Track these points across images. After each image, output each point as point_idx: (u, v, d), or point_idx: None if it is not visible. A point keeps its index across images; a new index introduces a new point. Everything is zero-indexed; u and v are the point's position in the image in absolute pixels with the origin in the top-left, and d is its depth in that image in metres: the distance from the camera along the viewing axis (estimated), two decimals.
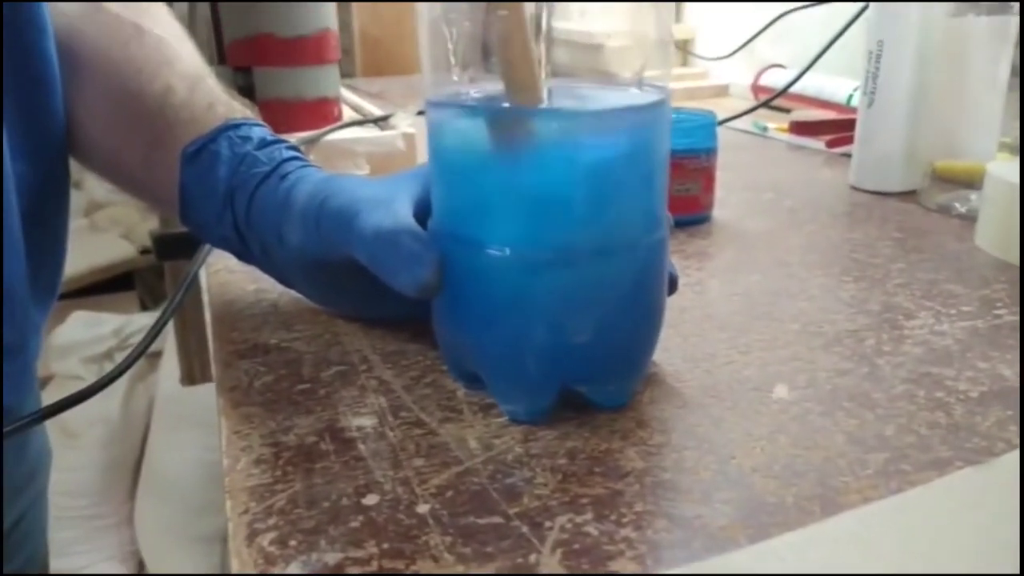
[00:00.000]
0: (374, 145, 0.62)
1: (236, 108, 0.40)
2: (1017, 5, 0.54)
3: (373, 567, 0.23)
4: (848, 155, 0.67)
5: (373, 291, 0.33)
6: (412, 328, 0.38)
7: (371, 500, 0.26)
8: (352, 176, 0.39)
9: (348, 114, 0.70)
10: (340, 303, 0.39)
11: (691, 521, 0.25)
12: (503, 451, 0.29)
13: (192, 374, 0.94)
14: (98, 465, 1.36)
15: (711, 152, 0.54)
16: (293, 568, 0.23)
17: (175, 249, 0.73)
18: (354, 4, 1.70)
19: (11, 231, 0.37)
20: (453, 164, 0.30)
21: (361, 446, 0.29)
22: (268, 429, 0.30)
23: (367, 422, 0.31)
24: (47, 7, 0.38)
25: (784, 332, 0.38)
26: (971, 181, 0.55)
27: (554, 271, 0.28)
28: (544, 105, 0.28)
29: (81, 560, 1.35)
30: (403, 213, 0.32)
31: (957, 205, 0.56)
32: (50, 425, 0.51)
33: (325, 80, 0.65)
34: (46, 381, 1.39)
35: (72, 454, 1.33)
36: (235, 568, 0.24)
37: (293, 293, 0.41)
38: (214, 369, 0.37)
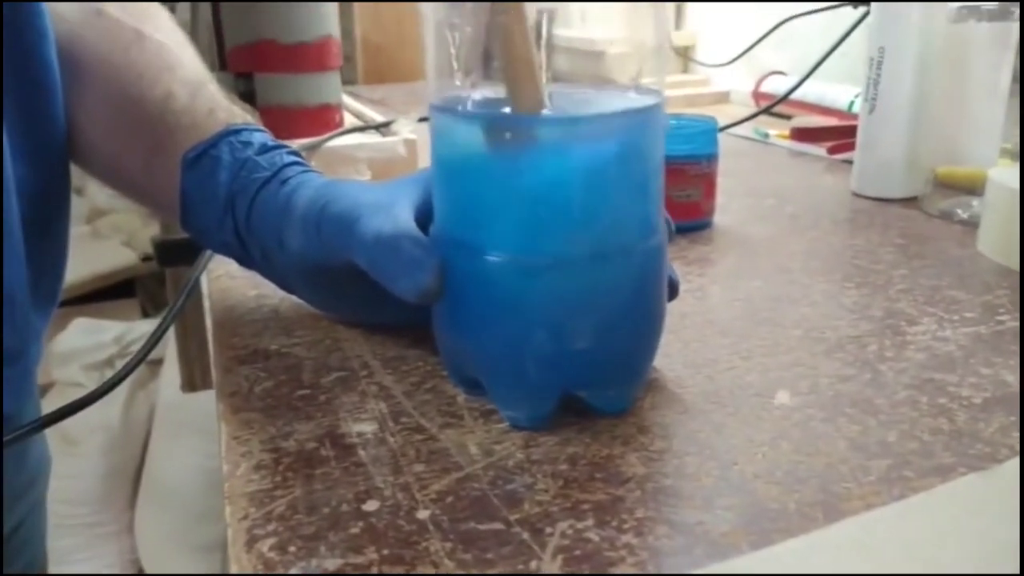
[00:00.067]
0: (375, 151, 0.62)
1: (237, 114, 0.40)
2: (1018, 11, 0.54)
3: (373, 573, 0.23)
4: (849, 161, 0.67)
5: (373, 296, 0.33)
6: (413, 334, 0.38)
7: (371, 506, 0.26)
8: (353, 181, 0.39)
9: (349, 120, 0.70)
10: (341, 308, 0.39)
11: (693, 527, 0.25)
12: (504, 457, 0.28)
13: (193, 381, 0.94)
14: (98, 473, 1.36)
15: (712, 158, 0.54)
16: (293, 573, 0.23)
17: (176, 255, 0.73)
18: (356, 11, 1.70)
19: (12, 236, 0.37)
20: (453, 168, 0.30)
21: (361, 452, 0.29)
22: (268, 435, 0.30)
23: (367, 428, 0.31)
24: (48, 13, 0.38)
25: (786, 338, 0.38)
26: (973, 187, 0.55)
27: (552, 276, 0.28)
28: (545, 109, 0.28)
29: (81, 568, 1.35)
30: (404, 218, 0.31)
31: (959, 211, 0.56)
32: (50, 432, 0.51)
33: (326, 86, 0.65)
34: (47, 388, 1.39)
35: (72, 461, 1.33)
36: None
37: (294, 299, 0.41)
38: (214, 375, 0.37)
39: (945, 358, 0.35)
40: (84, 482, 1.34)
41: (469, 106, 0.30)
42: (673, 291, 0.33)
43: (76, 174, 0.43)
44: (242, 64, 0.62)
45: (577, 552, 0.24)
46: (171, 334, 1.01)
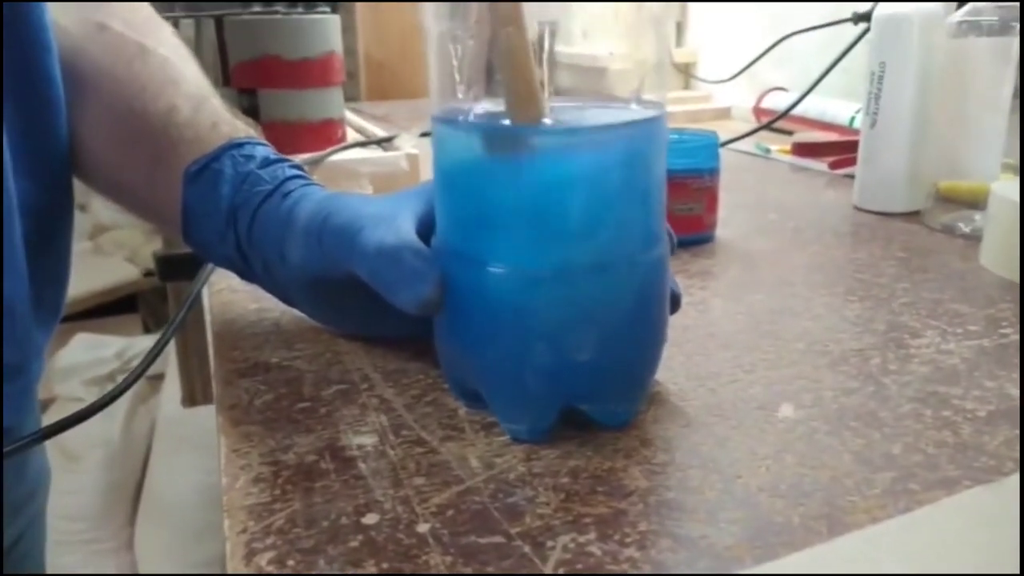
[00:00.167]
0: (378, 166, 0.62)
1: (240, 127, 0.40)
2: (1018, 26, 0.54)
3: None
4: (851, 176, 0.67)
5: (374, 309, 0.33)
6: (414, 347, 0.37)
7: (371, 519, 0.26)
8: (356, 194, 0.39)
9: (352, 136, 0.70)
10: (342, 321, 0.39)
11: (696, 541, 0.24)
12: (505, 470, 0.28)
13: (193, 395, 0.94)
14: (98, 488, 1.35)
15: (714, 172, 0.54)
16: None
17: (178, 270, 0.73)
18: (359, 28, 1.71)
19: (14, 250, 0.37)
20: (454, 179, 0.30)
21: (361, 465, 0.29)
22: (268, 447, 0.30)
23: (368, 441, 0.30)
24: (51, 26, 0.38)
25: (789, 351, 0.37)
26: (975, 201, 0.55)
27: (553, 287, 0.28)
28: (544, 120, 0.28)
29: None
30: (406, 229, 0.31)
31: (961, 225, 0.56)
32: (50, 447, 0.51)
33: (329, 102, 0.65)
34: (48, 403, 1.39)
35: (72, 477, 1.33)
36: None
37: (295, 312, 0.41)
38: (214, 387, 0.37)
39: (949, 371, 0.35)
40: (84, 498, 1.34)
41: (471, 118, 0.30)
42: (675, 304, 0.33)
43: (79, 190, 0.43)
44: (246, 80, 0.63)
45: (579, 566, 0.23)
46: (172, 350, 1.01)
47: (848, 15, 0.79)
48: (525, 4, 0.27)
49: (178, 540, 1.29)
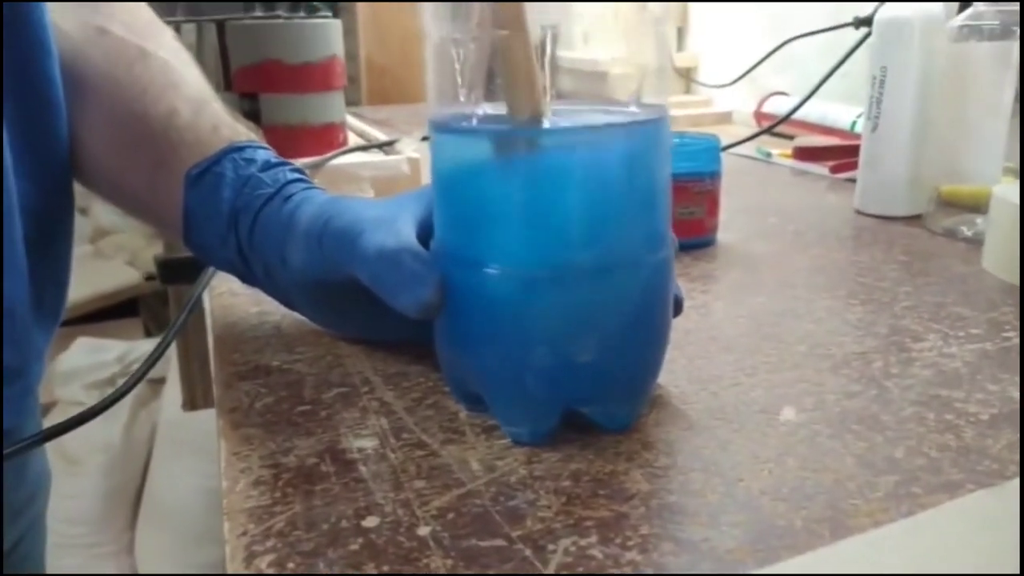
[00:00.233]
0: (379, 170, 0.62)
1: (241, 131, 0.40)
2: (1019, 30, 0.54)
3: None
4: (852, 180, 0.66)
5: (375, 312, 0.33)
6: (414, 350, 0.37)
7: (371, 522, 0.26)
8: (357, 197, 0.39)
9: (353, 140, 0.70)
10: (342, 325, 0.39)
11: (698, 544, 0.24)
12: (506, 473, 0.28)
13: (194, 399, 0.94)
14: (99, 492, 1.35)
15: (715, 175, 0.54)
16: None
17: (179, 273, 0.73)
18: (361, 34, 1.72)
19: (14, 253, 0.37)
20: (453, 183, 0.30)
21: (362, 468, 0.29)
22: (268, 450, 0.30)
23: (368, 444, 0.30)
24: (51, 29, 0.38)
25: (791, 354, 0.37)
26: (977, 205, 0.55)
27: (555, 289, 0.28)
28: (545, 123, 0.28)
29: None
30: (406, 233, 0.31)
31: (963, 229, 0.56)
32: (51, 451, 0.51)
33: (331, 106, 0.66)
34: (49, 407, 1.39)
35: (73, 481, 1.32)
36: None
37: (296, 315, 0.41)
38: (215, 390, 0.37)
39: (951, 374, 0.35)
40: (85, 502, 1.33)
41: (470, 121, 0.30)
42: (677, 307, 0.33)
43: (80, 193, 0.43)
44: (247, 84, 0.63)
45: (580, 569, 0.23)
46: (173, 354, 1.01)
47: (849, 19, 0.79)
48: (527, 5, 0.27)
49: (178, 544, 1.28)
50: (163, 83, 0.40)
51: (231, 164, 0.38)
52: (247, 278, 0.39)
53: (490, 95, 0.29)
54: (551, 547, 0.24)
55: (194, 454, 1.29)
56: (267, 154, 0.40)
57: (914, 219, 0.61)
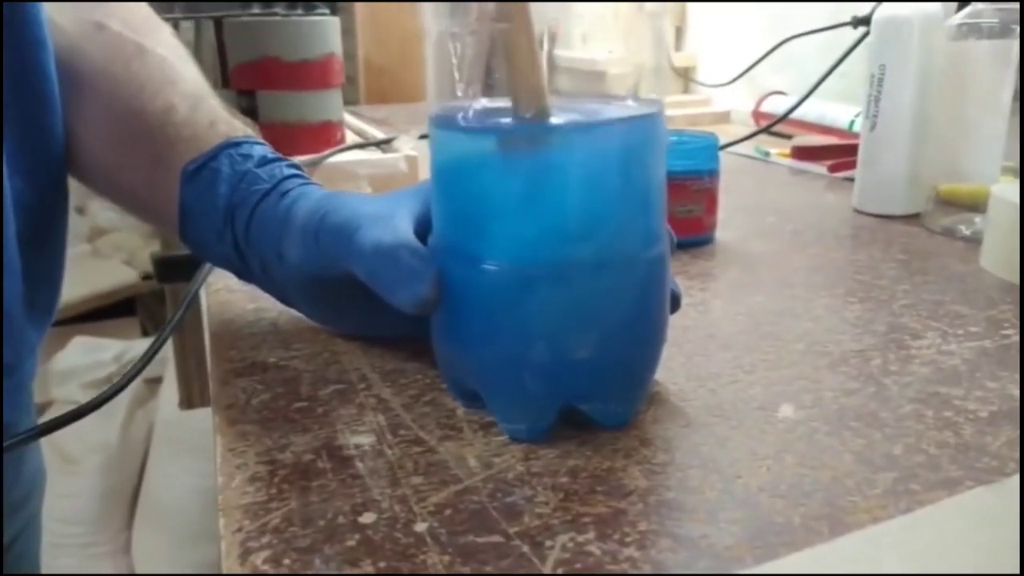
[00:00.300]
0: (377, 167, 0.62)
1: (237, 126, 0.40)
2: (1018, 29, 0.54)
3: None
4: (851, 180, 0.66)
5: (372, 309, 0.33)
6: (411, 347, 0.37)
7: (368, 518, 0.25)
8: (353, 193, 0.38)
9: (351, 138, 0.70)
10: (339, 321, 0.39)
11: (696, 541, 0.24)
12: (503, 469, 0.28)
13: (191, 397, 0.94)
14: (95, 492, 1.35)
15: (713, 174, 0.54)
16: None
17: (176, 271, 0.73)
18: (359, 33, 1.71)
19: (7, 249, 0.37)
20: (451, 178, 0.30)
21: (359, 464, 0.29)
22: (264, 447, 0.30)
23: (365, 440, 0.30)
24: (47, 25, 0.38)
25: (789, 352, 0.37)
26: (975, 204, 0.55)
27: (552, 285, 0.28)
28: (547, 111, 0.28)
29: None
30: (403, 228, 0.31)
31: (962, 228, 0.56)
32: (48, 450, 0.50)
33: (328, 104, 0.65)
34: (46, 406, 1.38)
35: (70, 480, 1.32)
36: None
37: (293, 312, 0.41)
38: (211, 387, 0.36)
39: (950, 372, 0.35)
40: (81, 501, 1.33)
41: (469, 116, 0.30)
42: (675, 304, 0.33)
43: (78, 193, 0.43)
44: (245, 81, 0.62)
45: (578, 565, 0.23)
46: (170, 354, 1.01)
47: (847, 18, 0.79)
48: (529, 4, 0.27)
49: (175, 544, 1.28)
50: (160, 79, 0.40)
51: (227, 160, 0.38)
52: (244, 274, 0.39)
53: (488, 90, 0.29)
54: (549, 543, 0.24)
55: (191, 453, 1.29)
56: (264, 150, 0.40)
57: (913, 218, 0.61)
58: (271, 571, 0.23)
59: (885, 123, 0.61)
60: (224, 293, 0.46)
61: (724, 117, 1.12)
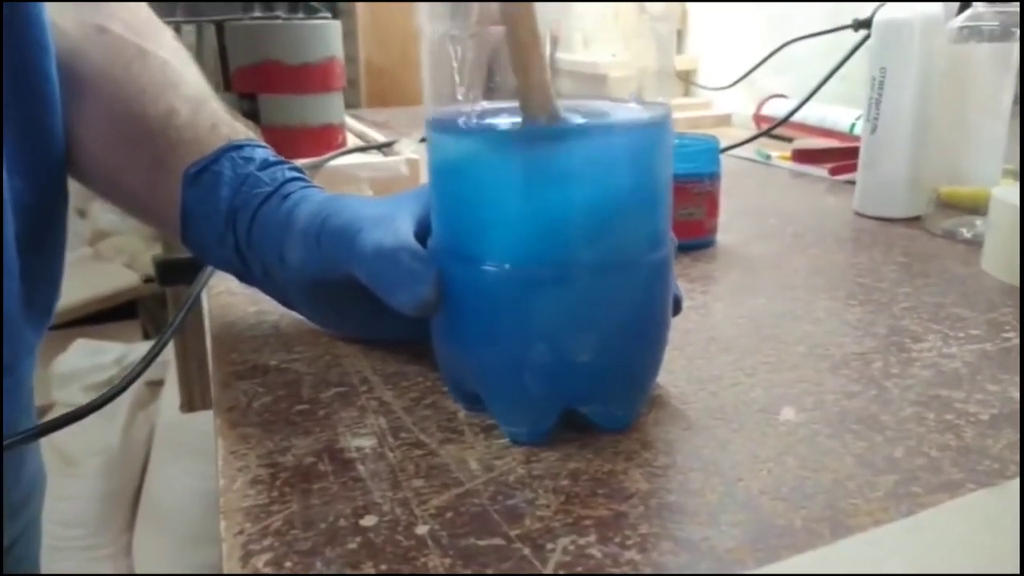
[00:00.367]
0: (378, 170, 0.62)
1: (239, 129, 0.40)
2: (1019, 32, 0.54)
3: None
4: (852, 183, 0.66)
5: (373, 311, 0.33)
6: (413, 349, 0.37)
7: (369, 521, 0.25)
8: (355, 196, 0.39)
9: (352, 141, 0.70)
10: (341, 324, 0.39)
11: (698, 544, 0.24)
12: (504, 472, 0.28)
13: (192, 400, 0.94)
14: (97, 495, 1.35)
15: (714, 177, 0.54)
16: None
17: (177, 274, 0.73)
18: (360, 36, 1.72)
19: (6, 250, 0.37)
20: (452, 181, 0.30)
21: (360, 467, 0.29)
22: (265, 449, 0.30)
23: (366, 443, 0.30)
24: (49, 27, 0.38)
25: (790, 354, 0.37)
26: (976, 207, 0.55)
27: (554, 288, 0.28)
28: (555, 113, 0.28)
29: None
30: (404, 231, 0.31)
31: (963, 231, 0.56)
32: (49, 452, 0.51)
33: (330, 107, 0.65)
34: (47, 409, 1.38)
35: (71, 483, 1.32)
36: None
37: (294, 315, 0.41)
38: (213, 390, 0.36)
39: (951, 375, 0.35)
40: (82, 504, 1.33)
41: (470, 118, 0.30)
42: (676, 307, 0.33)
43: (79, 196, 0.43)
44: (246, 85, 0.63)
45: (579, 568, 0.23)
46: (171, 356, 1.01)
47: (848, 21, 0.79)
48: (534, 5, 0.27)
49: (176, 546, 1.28)
50: (162, 82, 0.40)
51: (229, 163, 0.38)
52: (245, 277, 0.39)
53: (490, 93, 0.29)
54: (550, 546, 0.24)
55: (192, 456, 1.29)
56: (265, 152, 0.40)
57: (913, 221, 0.61)
58: (272, 573, 0.23)
59: (886, 126, 0.61)
60: (225, 296, 0.46)
61: (725, 120, 1.12)
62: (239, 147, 0.39)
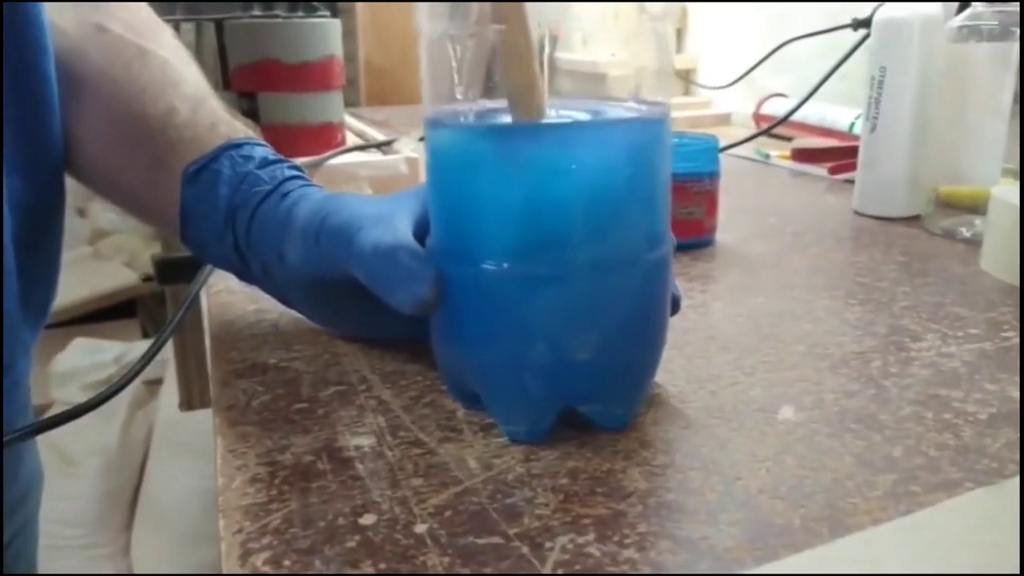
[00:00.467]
0: (377, 169, 0.62)
1: (239, 128, 0.40)
2: (1018, 31, 0.54)
3: None
4: (851, 182, 0.67)
5: (372, 310, 0.33)
6: (411, 348, 0.37)
7: (368, 520, 0.25)
8: (354, 195, 0.38)
9: (352, 140, 0.70)
10: (340, 322, 0.39)
11: (697, 543, 0.24)
12: (503, 471, 0.28)
13: (191, 399, 0.94)
14: (95, 494, 1.35)
15: (714, 176, 0.54)
16: None
17: (177, 273, 0.73)
18: (360, 35, 1.71)
19: (4, 249, 0.37)
20: (450, 179, 0.30)
21: (359, 465, 0.29)
22: (264, 448, 0.30)
23: (365, 441, 0.30)
24: (48, 27, 0.38)
25: (789, 354, 0.37)
26: (975, 206, 0.55)
27: (553, 287, 0.28)
28: (544, 118, 0.28)
29: None
30: (403, 230, 0.31)
31: (962, 230, 0.56)
32: (47, 451, 0.51)
33: (329, 106, 0.65)
34: (46, 407, 1.38)
35: (69, 482, 1.32)
36: None
37: (293, 313, 0.41)
38: (212, 388, 0.36)
39: (950, 374, 0.35)
40: (81, 503, 1.33)
41: (468, 117, 0.30)
42: (675, 306, 0.33)
43: (79, 195, 0.43)
44: (246, 83, 0.63)
45: (578, 567, 0.23)
46: (170, 356, 1.01)
47: (848, 21, 0.79)
48: (526, 5, 0.27)
49: (175, 545, 1.28)
50: (162, 81, 0.40)
51: (228, 161, 0.38)
52: (244, 275, 0.39)
53: (489, 92, 0.29)
54: (548, 545, 0.24)
55: (191, 455, 1.29)
56: (265, 151, 0.40)
57: (913, 220, 0.61)
58: (271, 572, 0.23)
59: (885, 125, 0.61)
60: (225, 295, 0.46)
61: (724, 119, 1.12)
62: (238, 145, 0.39)
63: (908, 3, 0.59)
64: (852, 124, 0.85)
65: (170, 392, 1.27)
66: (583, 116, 0.30)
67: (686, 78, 1.23)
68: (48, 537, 0.53)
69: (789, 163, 0.82)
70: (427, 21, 0.29)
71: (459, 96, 0.29)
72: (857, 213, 0.64)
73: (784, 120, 0.85)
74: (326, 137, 0.65)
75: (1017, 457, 0.28)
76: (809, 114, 0.88)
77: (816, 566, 0.23)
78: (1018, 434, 0.30)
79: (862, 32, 0.75)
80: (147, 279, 1.76)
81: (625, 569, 0.23)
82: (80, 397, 1.35)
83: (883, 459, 0.28)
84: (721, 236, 0.57)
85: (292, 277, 0.36)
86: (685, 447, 0.30)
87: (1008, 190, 0.49)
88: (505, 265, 0.28)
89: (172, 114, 0.39)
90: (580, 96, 0.32)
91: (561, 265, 0.28)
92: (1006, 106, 0.56)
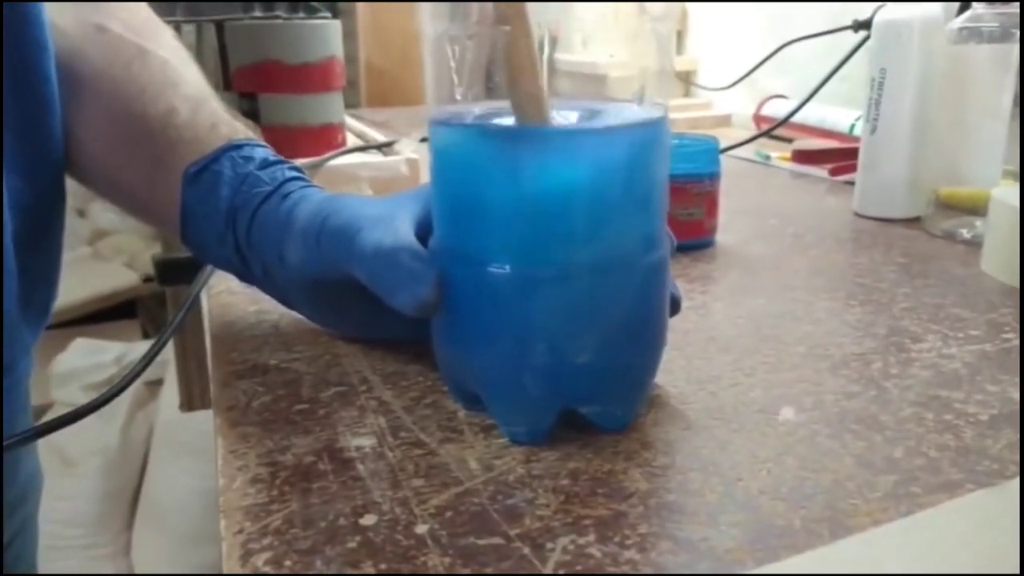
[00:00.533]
0: (378, 170, 0.62)
1: (239, 129, 0.40)
2: (1018, 33, 0.54)
3: None
4: (851, 183, 0.67)
5: (373, 311, 0.33)
6: (412, 349, 0.37)
7: (369, 520, 0.25)
8: (355, 196, 0.39)
9: (352, 141, 0.70)
10: (341, 323, 0.39)
11: (697, 544, 0.24)
12: (504, 472, 0.28)
13: (191, 400, 0.94)
14: (96, 494, 1.35)
15: (714, 177, 0.54)
16: None
17: (177, 274, 0.73)
18: (360, 36, 1.72)
19: (4, 249, 0.37)
20: (452, 181, 0.30)
21: (360, 466, 0.29)
22: (265, 448, 0.30)
23: (366, 442, 0.30)
24: (48, 27, 0.38)
25: (790, 355, 0.37)
26: (975, 208, 0.55)
27: (553, 288, 0.28)
28: (547, 119, 0.28)
29: None
30: (404, 231, 0.31)
31: (963, 231, 0.56)
32: (48, 452, 0.51)
33: (329, 107, 0.65)
34: (46, 408, 1.38)
35: (70, 482, 1.32)
36: None
37: (294, 314, 0.41)
38: (212, 389, 0.36)
39: (951, 375, 0.35)
40: (82, 503, 1.33)
41: (471, 118, 0.30)
42: (675, 307, 0.33)
43: (79, 196, 0.43)
44: (246, 84, 0.63)
45: (578, 567, 0.23)
46: (171, 356, 1.01)
47: (848, 22, 0.79)
48: (527, 5, 0.27)
49: (175, 545, 1.28)
50: (162, 81, 0.40)
51: (229, 162, 0.38)
52: (245, 276, 0.39)
53: (490, 93, 0.29)
54: (549, 545, 0.24)
55: (191, 455, 1.29)
56: (265, 152, 0.40)
57: (913, 221, 0.61)
58: (272, 572, 0.23)
59: (886, 127, 0.61)
60: (225, 295, 0.46)
61: (725, 120, 1.12)
62: (239, 146, 0.39)
63: (908, 4, 0.59)
64: (852, 126, 0.85)
65: (171, 393, 1.27)
66: (584, 118, 0.30)
67: (686, 79, 1.23)
68: (48, 537, 0.53)
69: (789, 164, 0.82)
70: (430, 22, 0.29)
71: (459, 97, 0.29)
72: (857, 214, 0.64)
73: (784, 121, 0.85)
74: (326, 138, 0.66)
75: (1018, 458, 0.28)
76: (809, 115, 0.88)
77: (817, 567, 0.23)
78: (1019, 435, 0.30)
79: (862, 34, 0.76)
80: (147, 280, 1.76)
81: (626, 570, 0.23)
82: (81, 397, 1.35)
83: (884, 460, 0.28)
84: (721, 237, 0.57)
85: (293, 278, 0.36)
86: (686, 448, 0.30)
87: (1008, 192, 0.49)
88: (506, 267, 0.28)
89: (172, 114, 0.39)
90: (579, 98, 0.32)
91: (562, 268, 0.28)
92: (1006, 108, 0.56)
